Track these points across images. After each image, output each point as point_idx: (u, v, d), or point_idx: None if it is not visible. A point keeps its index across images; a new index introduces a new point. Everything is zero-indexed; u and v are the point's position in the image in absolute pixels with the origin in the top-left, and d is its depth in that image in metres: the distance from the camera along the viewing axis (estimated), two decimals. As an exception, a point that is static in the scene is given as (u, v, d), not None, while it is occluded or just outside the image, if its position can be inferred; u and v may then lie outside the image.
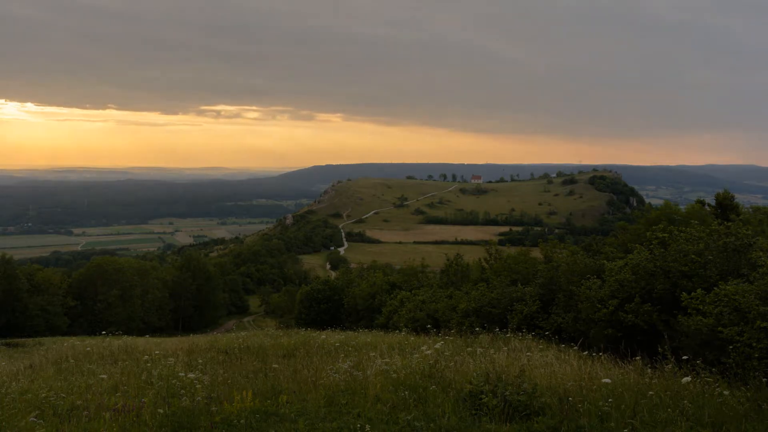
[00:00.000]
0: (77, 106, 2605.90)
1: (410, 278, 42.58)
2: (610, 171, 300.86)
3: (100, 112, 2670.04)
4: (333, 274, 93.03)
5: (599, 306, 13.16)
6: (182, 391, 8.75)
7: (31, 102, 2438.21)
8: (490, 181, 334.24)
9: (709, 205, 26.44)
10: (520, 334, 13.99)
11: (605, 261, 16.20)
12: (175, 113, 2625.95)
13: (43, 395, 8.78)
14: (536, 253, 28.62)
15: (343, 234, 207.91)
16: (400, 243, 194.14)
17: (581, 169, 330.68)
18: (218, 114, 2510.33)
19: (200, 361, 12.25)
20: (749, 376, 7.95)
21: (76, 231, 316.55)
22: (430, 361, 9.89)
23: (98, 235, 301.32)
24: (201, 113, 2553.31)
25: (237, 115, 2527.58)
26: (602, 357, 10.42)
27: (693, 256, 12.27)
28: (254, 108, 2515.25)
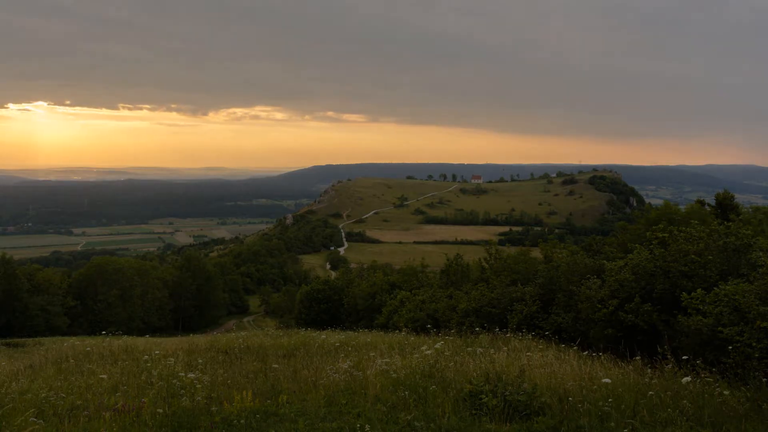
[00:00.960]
0: (109, 107, 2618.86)
1: (410, 278, 42.55)
2: (610, 171, 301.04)
3: (126, 113, 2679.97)
4: (333, 274, 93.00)
5: (599, 306, 13.15)
6: (182, 391, 8.75)
7: (68, 102, 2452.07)
8: (490, 181, 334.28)
9: (709, 205, 26.38)
10: (520, 334, 13.97)
11: (605, 261, 16.18)
12: (205, 114, 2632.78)
13: (43, 395, 8.78)
14: (536, 253, 28.53)
15: (343, 234, 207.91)
16: (400, 243, 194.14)
17: (581, 169, 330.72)
18: (246, 114, 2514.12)
19: (200, 361, 12.25)
20: (749, 376, 7.95)
21: (76, 231, 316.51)
22: (430, 361, 9.89)
23: (98, 235, 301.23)
24: (230, 114, 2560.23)
25: (260, 116, 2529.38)
26: (602, 357, 10.41)
27: (693, 256, 12.26)
28: (279, 108, 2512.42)
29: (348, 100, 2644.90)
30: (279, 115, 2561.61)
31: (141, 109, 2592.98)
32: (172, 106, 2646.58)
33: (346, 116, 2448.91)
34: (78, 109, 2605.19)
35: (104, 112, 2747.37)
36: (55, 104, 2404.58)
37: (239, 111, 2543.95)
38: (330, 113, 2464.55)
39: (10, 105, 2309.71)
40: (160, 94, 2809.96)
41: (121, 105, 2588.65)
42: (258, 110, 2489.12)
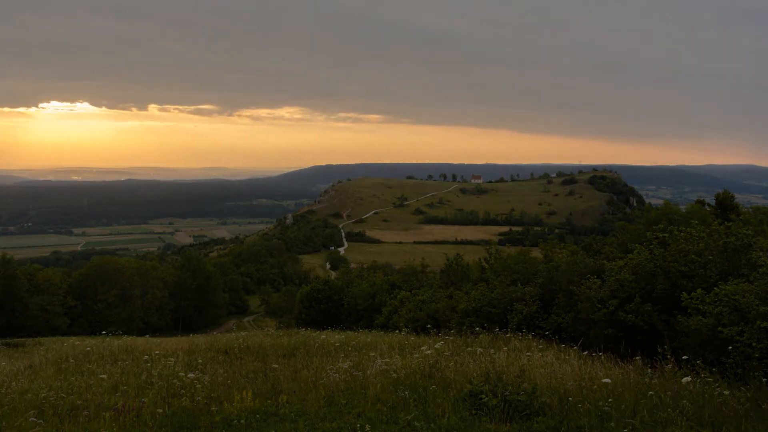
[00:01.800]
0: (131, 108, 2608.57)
1: (410, 278, 42.60)
2: (610, 171, 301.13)
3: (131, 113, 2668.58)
4: (333, 274, 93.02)
5: (599, 306, 13.15)
6: (182, 391, 8.76)
7: (105, 102, 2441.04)
8: (490, 181, 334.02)
9: (709, 205, 26.41)
10: (520, 334, 13.96)
11: (605, 261, 16.21)
12: (231, 115, 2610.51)
13: (43, 395, 8.78)
14: (536, 253, 28.57)
15: (343, 234, 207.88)
16: (400, 243, 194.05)
17: (581, 169, 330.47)
18: (269, 115, 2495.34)
19: (200, 361, 12.25)
20: (749, 376, 7.95)
21: (76, 231, 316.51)
22: (430, 361, 9.90)
23: (98, 235, 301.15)
24: (252, 114, 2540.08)
25: (284, 116, 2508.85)
26: (602, 357, 10.42)
27: (693, 256, 12.27)
28: (302, 110, 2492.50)
29: (349, 100, 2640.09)
30: (298, 115, 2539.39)
31: (168, 110, 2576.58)
32: (201, 107, 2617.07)
33: (362, 116, 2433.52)
34: (105, 110, 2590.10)
35: (134, 112, 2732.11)
36: (94, 105, 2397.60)
37: (263, 111, 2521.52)
38: (351, 114, 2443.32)
39: (54, 103, 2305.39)
40: (190, 95, 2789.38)
41: (151, 105, 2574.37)
42: (283, 111, 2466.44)
